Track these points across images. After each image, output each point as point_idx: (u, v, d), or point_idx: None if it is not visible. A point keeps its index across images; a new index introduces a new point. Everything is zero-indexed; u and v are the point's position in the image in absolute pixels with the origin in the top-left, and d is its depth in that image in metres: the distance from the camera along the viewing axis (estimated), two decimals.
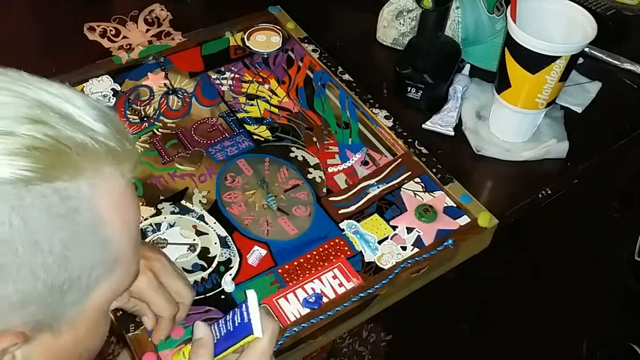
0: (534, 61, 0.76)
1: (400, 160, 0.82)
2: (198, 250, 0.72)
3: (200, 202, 0.77)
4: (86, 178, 0.39)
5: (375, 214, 0.76)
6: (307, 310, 0.67)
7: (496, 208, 0.77)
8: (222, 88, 0.92)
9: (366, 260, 0.72)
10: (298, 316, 0.66)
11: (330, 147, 0.85)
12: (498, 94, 0.83)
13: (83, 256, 0.40)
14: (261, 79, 0.93)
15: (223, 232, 0.74)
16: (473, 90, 0.92)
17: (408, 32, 0.98)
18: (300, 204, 0.78)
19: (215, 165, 0.81)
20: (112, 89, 0.90)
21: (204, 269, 0.71)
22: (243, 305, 0.54)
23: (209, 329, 0.55)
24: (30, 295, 0.38)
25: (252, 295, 0.54)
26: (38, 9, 1.10)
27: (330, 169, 0.82)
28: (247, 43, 0.98)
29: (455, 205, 0.77)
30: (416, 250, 0.73)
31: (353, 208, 0.77)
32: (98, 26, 1.00)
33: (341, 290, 0.69)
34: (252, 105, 0.90)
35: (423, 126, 0.88)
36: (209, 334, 0.55)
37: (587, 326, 1.32)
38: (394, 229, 0.75)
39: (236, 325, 0.54)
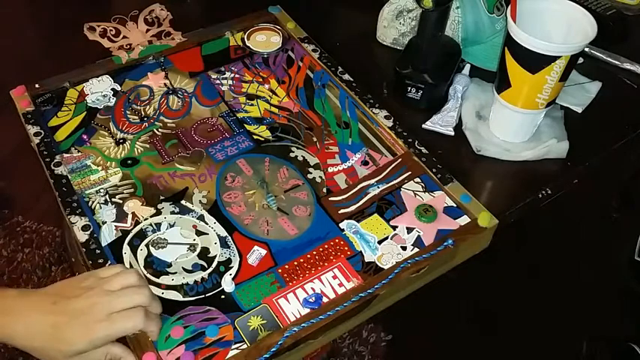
0: (534, 61, 0.76)
1: (400, 160, 0.82)
2: (198, 250, 0.72)
3: (200, 202, 0.77)
4: None
5: (375, 214, 0.76)
6: (307, 310, 0.67)
7: (496, 208, 0.77)
8: (222, 88, 0.92)
9: (366, 260, 0.72)
10: (298, 316, 0.66)
11: (330, 147, 0.85)
12: (498, 94, 0.83)
13: None
14: (261, 79, 0.93)
15: (223, 232, 0.74)
16: (473, 90, 0.92)
17: (408, 32, 0.98)
18: (300, 204, 0.78)
19: (215, 165, 0.81)
20: (112, 89, 0.90)
21: (204, 269, 0.71)
22: None
23: None
24: None
25: None
26: (38, 9, 1.10)
27: (330, 169, 0.82)
28: (247, 43, 0.98)
29: (455, 205, 0.77)
30: (416, 250, 0.73)
31: (353, 208, 0.77)
32: (98, 26, 1.00)
33: (341, 290, 0.69)
34: (252, 105, 0.90)
35: (423, 126, 0.88)
36: None
37: (587, 326, 1.32)
38: (394, 229, 0.75)
39: None
